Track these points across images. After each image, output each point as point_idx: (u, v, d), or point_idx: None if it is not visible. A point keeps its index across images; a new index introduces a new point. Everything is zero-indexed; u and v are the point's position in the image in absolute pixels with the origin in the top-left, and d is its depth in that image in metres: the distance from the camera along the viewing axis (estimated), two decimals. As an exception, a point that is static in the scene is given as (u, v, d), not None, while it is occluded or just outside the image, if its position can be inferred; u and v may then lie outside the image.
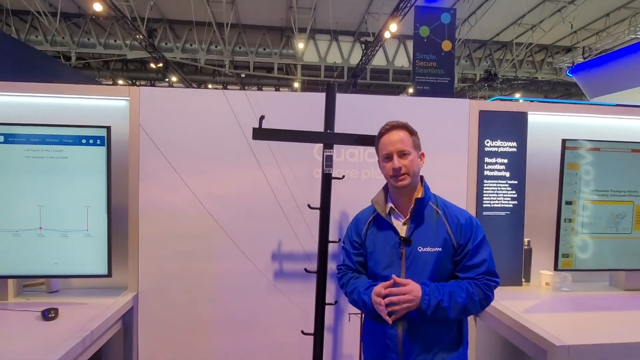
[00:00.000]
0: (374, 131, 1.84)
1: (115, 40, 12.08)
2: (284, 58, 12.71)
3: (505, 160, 2.25)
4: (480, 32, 11.75)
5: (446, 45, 9.50)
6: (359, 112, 2.14)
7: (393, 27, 8.28)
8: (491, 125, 2.24)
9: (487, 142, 2.24)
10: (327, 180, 1.77)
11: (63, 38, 11.77)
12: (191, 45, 12.40)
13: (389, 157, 1.42)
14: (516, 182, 2.26)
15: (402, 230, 1.41)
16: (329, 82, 1.92)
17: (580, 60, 9.63)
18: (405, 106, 2.21)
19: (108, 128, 1.91)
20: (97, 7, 7.35)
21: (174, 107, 2.08)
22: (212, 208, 2.10)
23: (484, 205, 2.25)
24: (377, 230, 1.47)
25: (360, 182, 2.17)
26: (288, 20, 11.59)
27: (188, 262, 2.10)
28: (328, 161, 1.74)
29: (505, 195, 2.26)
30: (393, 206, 1.45)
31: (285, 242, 2.14)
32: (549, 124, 2.33)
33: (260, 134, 1.74)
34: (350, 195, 2.14)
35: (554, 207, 2.15)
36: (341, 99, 1.96)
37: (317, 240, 1.84)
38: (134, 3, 10.39)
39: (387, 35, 8.75)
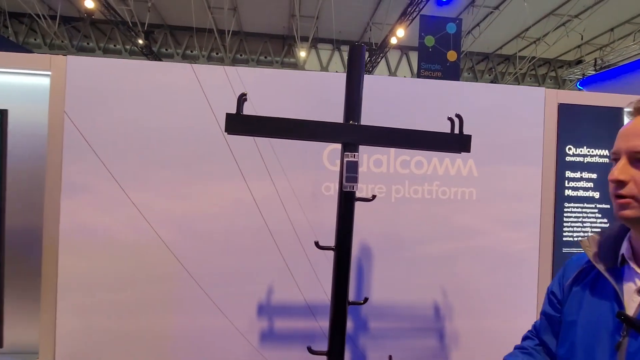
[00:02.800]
0: (408, 125, 1.12)
1: (115, 45, 11.40)
2: (285, 66, 12.03)
3: (594, 176, 1.52)
4: (483, 45, 11.15)
5: (451, 56, 8.87)
6: (380, 99, 1.41)
7: (400, 32, 7.63)
8: (575, 125, 1.51)
9: (569, 148, 1.51)
10: (348, 201, 1.02)
11: (62, 42, 11.08)
12: (192, 51, 11.73)
13: (615, 159, 0.73)
14: (609, 206, 1.53)
15: (633, 303, 0.70)
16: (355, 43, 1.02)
17: (590, 72, 8.98)
18: (450, 93, 1.48)
19: (2, 112, 1.16)
20: (89, 4, 6.65)
21: (117, 87, 1.34)
22: (168, 236, 1.35)
23: (565, 239, 1.51)
24: (587, 290, 0.79)
25: (389, 204, 1.42)
26: (290, 29, 10.95)
27: (131, 316, 1.34)
28: (351, 171, 1.00)
29: (593, 224, 1.52)
30: (628, 255, 0.74)
31: (278, 290, 1.38)
32: None
33: (240, 124, 0.99)
34: (376, 222, 1.40)
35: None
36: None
37: (329, 294, 1.10)
38: (135, 8, 9.75)
39: (393, 40, 8.11)
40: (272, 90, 1.38)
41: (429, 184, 1.44)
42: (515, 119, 1.50)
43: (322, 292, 1.37)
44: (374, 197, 1.11)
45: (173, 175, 1.34)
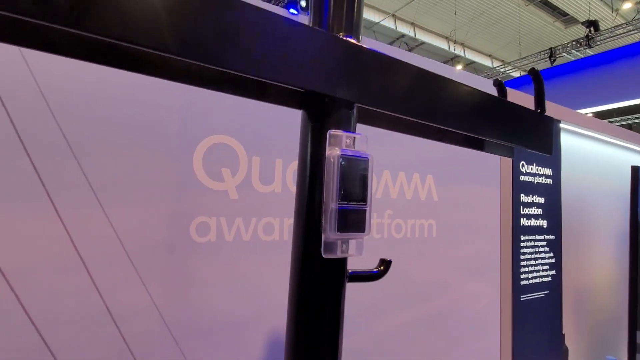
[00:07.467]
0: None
1: None
2: None
3: (542, 200, 1.19)
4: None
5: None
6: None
7: None
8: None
9: (522, 165, 1.14)
10: (329, 284, 0.29)
11: None
12: None
13: None
14: (553, 237, 1.21)
15: None
16: None
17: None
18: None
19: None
20: None
21: None
22: None
23: (522, 283, 1.10)
24: None
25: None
26: None
27: None
28: (350, 194, 0.27)
29: (543, 260, 1.18)
30: None
31: None
32: (579, 148, 1.39)
33: None
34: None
35: (594, 275, 1.18)
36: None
37: None
38: None
39: None
40: None
41: (379, 215, 0.82)
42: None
43: None
44: (386, 265, 0.38)
45: None
